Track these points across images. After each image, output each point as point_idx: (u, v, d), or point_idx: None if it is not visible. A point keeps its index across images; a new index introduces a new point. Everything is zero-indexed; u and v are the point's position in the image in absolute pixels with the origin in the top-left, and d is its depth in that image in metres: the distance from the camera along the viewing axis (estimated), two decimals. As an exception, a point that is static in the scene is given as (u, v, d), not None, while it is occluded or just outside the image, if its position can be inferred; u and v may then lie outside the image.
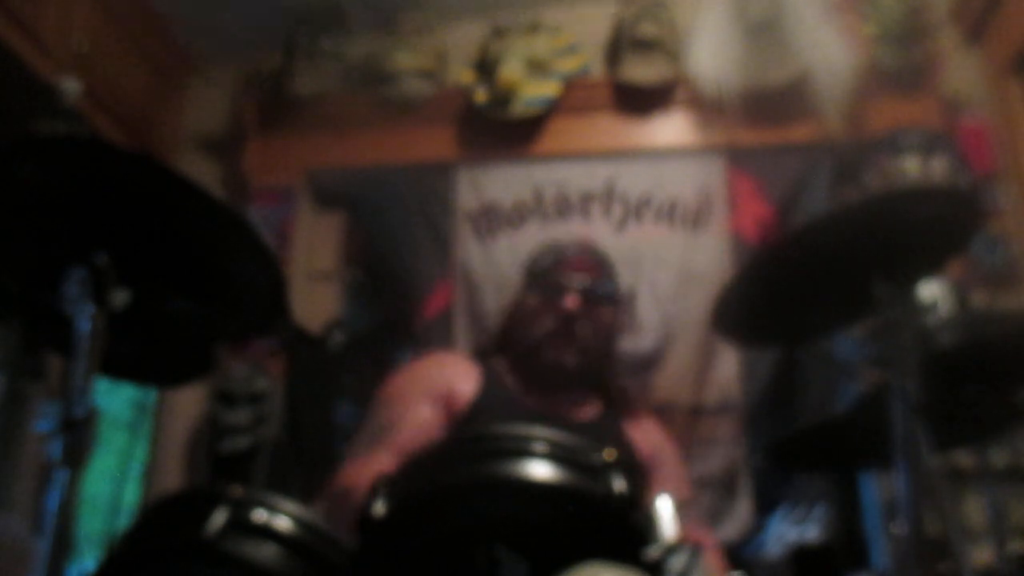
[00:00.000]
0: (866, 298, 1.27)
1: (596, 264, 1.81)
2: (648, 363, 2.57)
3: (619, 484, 1.00)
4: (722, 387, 2.54)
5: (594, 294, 1.74)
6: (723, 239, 2.66)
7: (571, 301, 1.69)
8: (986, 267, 2.47)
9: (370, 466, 1.55)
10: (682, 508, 1.65)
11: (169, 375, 1.57)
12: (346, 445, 1.79)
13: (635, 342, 2.57)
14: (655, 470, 1.70)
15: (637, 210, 2.73)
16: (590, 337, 1.71)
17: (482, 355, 1.81)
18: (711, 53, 2.71)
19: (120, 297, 1.11)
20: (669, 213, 2.71)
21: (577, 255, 1.81)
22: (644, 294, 2.63)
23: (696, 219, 2.70)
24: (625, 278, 2.63)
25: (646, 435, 1.77)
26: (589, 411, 1.75)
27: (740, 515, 2.42)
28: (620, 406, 1.80)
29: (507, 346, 1.79)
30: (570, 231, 2.68)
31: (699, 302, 2.53)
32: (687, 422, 2.51)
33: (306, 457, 2.56)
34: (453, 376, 1.70)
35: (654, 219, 2.72)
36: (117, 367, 1.20)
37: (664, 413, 2.45)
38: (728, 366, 2.56)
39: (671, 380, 2.56)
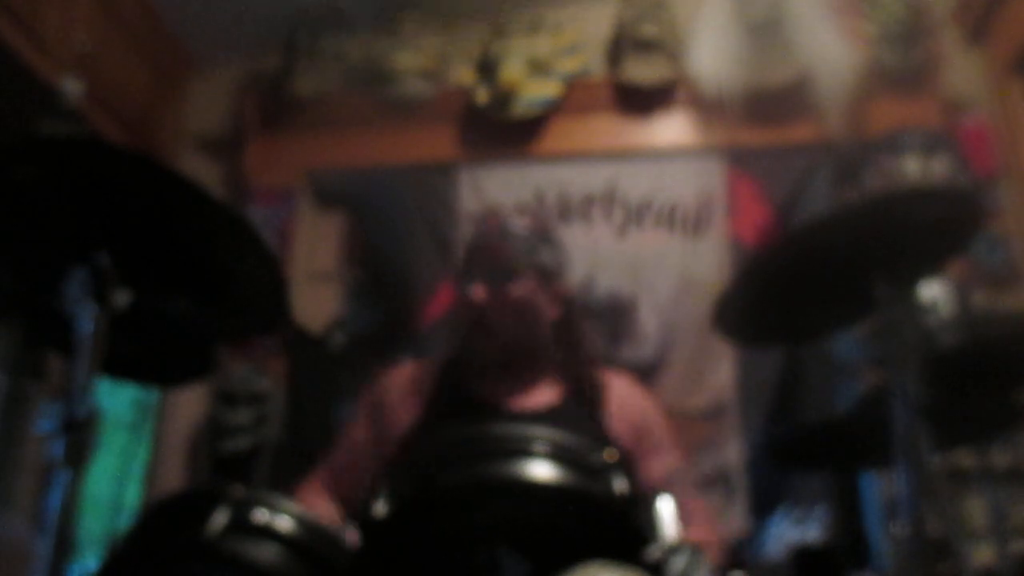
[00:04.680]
0: (866, 298, 1.27)
1: (500, 242, 1.68)
2: (648, 371, 2.57)
3: (619, 484, 1.00)
4: (719, 391, 2.55)
5: (497, 277, 1.63)
6: (722, 245, 2.67)
7: (476, 292, 1.61)
8: (986, 267, 2.47)
9: (310, 488, 1.67)
10: (676, 475, 1.63)
11: (170, 375, 1.57)
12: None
13: (635, 350, 2.58)
14: (642, 439, 1.63)
15: (638, 213, 2.73)
16: (509, 322, 1.62)
17: (449, 360, 1.79)
18: (712, 53, 2.71)
19: (121, 297, 1.11)
20: (669, 217, 2.72)
21: (482, 240, 1.73)
22: (644, 301, 2.63)
23: (696, 223, 2.70)
24: (626, 285, 2.66)
25: (625, 406, 1.67)
26: (546, 397, 1.67)
27: (737, 516, 2.43)
28: (586, 386, 1.69)
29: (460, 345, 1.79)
30: (572, 236, 2.67)
31: (698, 309, 2.53)
32: (684, 426, 2.51)
33: (307, 457, 2.56)
34: (396, 396, 1.68)
35: (654, 223, 2.72)
36: (118, 367, 1.20)
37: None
38: (725, 370, 2.56)
39: (670, 386, 2.56)
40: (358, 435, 1.70)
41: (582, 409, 1.66)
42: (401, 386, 1.70)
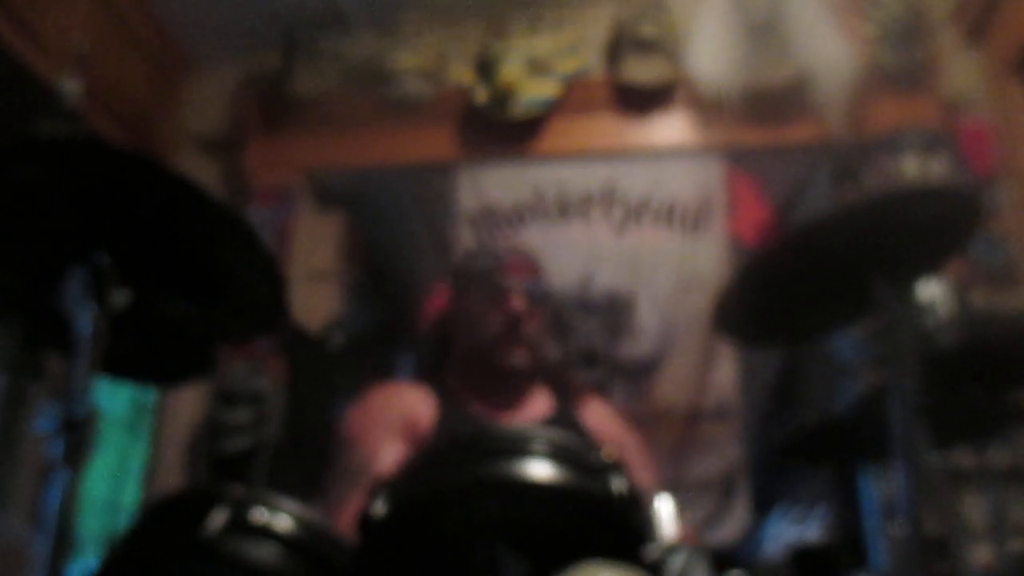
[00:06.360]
0: (866, 298, 1.27)
1: (532, 265, 1.82)
2: (647, 369, 2.57)
3: (618, 484, 1.00)
4: (720, 391, 2.55)
5: (535, 295, 1.75)
6: (722, 243, 2.67)
7: (517, 302, 1.70)
8: (986, 267, 2.47)
9: (351, 511, 1.59)
10: (652, 487, 1.66)
11: (169, 375, 1.57)
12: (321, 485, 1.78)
13: (634, 347, 2.58)
14: (624, 453, 1.70)
15: (637, 212, 2.73)
16: (535, 336, 1.73)
17: (428, 375, 1.81)
18: (711, 53, 2.71)
19: (120, 297, 1.11)
20: (668, 215, 2.72)
21: (513, 257, 1.82)
22: (643, 299, 2.63)
23: (696, 221, 2.70)
24: (625, 282, 2.66)
25: (602, 423, 1.76)
26: (541, 408, 1.75)
27: (738, 516, 2.43)
28: (572, 398, 1.80)
29: (449, 354, 1.79)
30: (571, 233, 2.69)
31: (698, 307, 2.53)
32: (686, 426, 2.51)
33: (306, 457, 2.56)
34: (410, 406, 1.70)
35: (653, 221, 2.72)
36: (117, 366, 1.20)
37: (663, 418, 2.46)
38: (726, 370, 2.56)
39: (670, 385, 2.56)
40: (392, 456, 1.62)
41: (573, 418, 1.71)
42: (420, 400, 1.71)
